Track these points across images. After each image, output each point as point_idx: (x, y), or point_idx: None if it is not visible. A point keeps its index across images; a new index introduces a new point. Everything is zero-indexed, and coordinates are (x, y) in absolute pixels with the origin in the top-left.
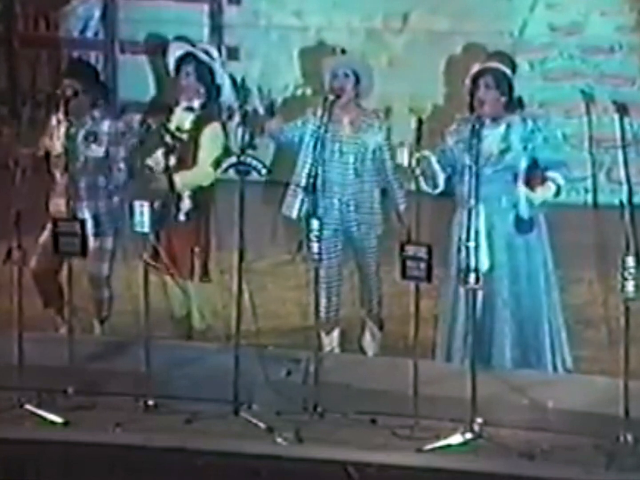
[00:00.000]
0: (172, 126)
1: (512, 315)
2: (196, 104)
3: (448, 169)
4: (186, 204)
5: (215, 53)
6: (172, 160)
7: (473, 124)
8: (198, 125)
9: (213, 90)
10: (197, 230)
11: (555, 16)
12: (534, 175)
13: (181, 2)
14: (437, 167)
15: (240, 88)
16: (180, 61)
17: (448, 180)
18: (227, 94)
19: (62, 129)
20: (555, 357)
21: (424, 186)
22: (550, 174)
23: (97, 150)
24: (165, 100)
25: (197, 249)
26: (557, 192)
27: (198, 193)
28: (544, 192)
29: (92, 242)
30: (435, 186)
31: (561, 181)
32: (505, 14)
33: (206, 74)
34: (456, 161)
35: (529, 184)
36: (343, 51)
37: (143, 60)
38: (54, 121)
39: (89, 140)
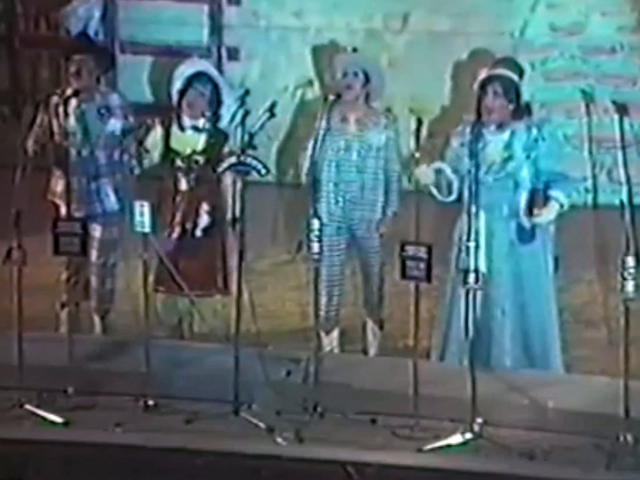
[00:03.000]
0: (182, 148)
1: (513, 322)
2: (201, 123)
3: (458, 174)
4: (204, 219)
5: (226, 85)
6: (191, 183)
7: (473, 127)
8: (213, 146)
9: (218, 110)
10: (215, 245)
11: (556, 16)
12: (537, 197)
13: (181, 3)
14: (452, 176)
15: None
16: (192, 78)
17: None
18: (228, 111)
19: (72, 105)
20: (550, 362)
21: (438, 196)
22: (552, 193)
23: (115, 125)
24: (161, 104)
25: (217, 264)
26: (561, 209)
27: (216, 208)
28: (548, 215)
29: (99, 233)
30: (449, 194)
31: (564, 200)
32: (506, 14)
33: (216, 96)
34: (461, 164)
35: (532, 209)
36: (354, 50)
37: (143, 61)
38: (54, 100)
39: (105, 116)
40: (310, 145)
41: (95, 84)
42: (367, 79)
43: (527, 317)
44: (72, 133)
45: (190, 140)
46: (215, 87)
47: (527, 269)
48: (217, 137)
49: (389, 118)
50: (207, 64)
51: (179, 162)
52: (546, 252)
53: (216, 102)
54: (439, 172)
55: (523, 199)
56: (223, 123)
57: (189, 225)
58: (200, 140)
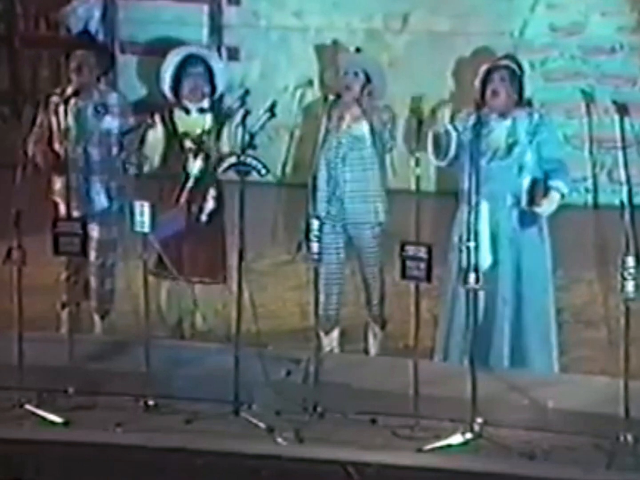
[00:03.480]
0: (191, 130)
1: (513, 314)
2: (205, 104)
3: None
4: (210, 204)
5: (212, 53)
6: (199, 163)
7: (478, 116)
8: (217, 125)
9: (216, 89)
10: (220, 231)
11: (556, 16)
12: (537, 189)
13: (181, 3)
14: (454, 134)
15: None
16: (184, 64)
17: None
18: (225, 90)
19: (71, 103)
20: (546, 358)
21: (431, 156)
22: (553, 183)
23: (111, 123)
24: (157, 101)
25: (219, 252)
26: (562, 199)
27: (221, 193)
28: (550, 205)
29: (97, 233)
30: (445, 155)
31: (565, 189)
32: (506, 15)
33: (209, 74)
34: (462, 148)
35: (534, 200)
36: (358, 50)
37: (143, 61)
38: (54, 100)
39: (101, 113)
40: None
41: (95, 81)
42: (367, 80)
43: (522, 309)
44: (68, 130)
45: (197, 121)
46: (207, 66)
47: (526, 258)
48: (220, 115)
49: (386, 113)
50: (192, 47)
51: (188, 144)
52: (544, 244)
53: (210, 79)
54: (443, 130)
55: (525, 184)
56: (219, 91)
57: (194, 209)
58: (207, 120)
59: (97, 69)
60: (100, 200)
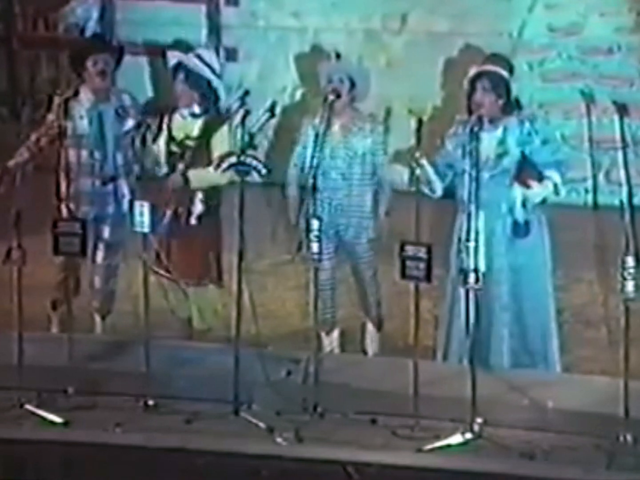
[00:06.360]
0: (178, 134)
1: (512, 318)
2: (197, 109)
3: (448, 173)
4: (198, 207)
5: (209, 58)
6: (182, 166)
7: (472, 127)
8: (207, 131)
9: (211, 95)
10: (210, 234)
11: (554, 17)
12: (529, 173)
13: (179, 3)
14: (433, 176)
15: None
16: (175, 70)
17: (449, 183)
18: (223, 98)
19: (85, 107)
20: (547, 359)
21: (424, 190)
22: (546, 172)
23: (130, 124)
24: (162, 103)
25: (211, 254)
26: (556, 191)
27: (210, 196)
28: (541, 190)
29: (107, 234)
30: (432, 191)
31: (558, 179)
32: (504, 15)
33: (199, 81)
34: (455, 164)
35: (524, 182)
36: (338, 56)
37: (141, 62)
38: (61, 100)
39: (121, 117)
40: (309, 148)
41: (110, 84)
42: (352, 84)
43: (524, 312)
44: (86, 135)
45: (188, 125)
46: (193, 73)
47: (525, 264)
48: (213, 120)
49: (375, 121)
50: (178, 54)
51: (173, 148)
52: (543, 248)
53: (205, 85)
54: (422, 168)
55: (515, 176)
56: (213, 98)
57: (181, 210)
58: (196, 125)
59: (113, 71)
60: (126, 202)
